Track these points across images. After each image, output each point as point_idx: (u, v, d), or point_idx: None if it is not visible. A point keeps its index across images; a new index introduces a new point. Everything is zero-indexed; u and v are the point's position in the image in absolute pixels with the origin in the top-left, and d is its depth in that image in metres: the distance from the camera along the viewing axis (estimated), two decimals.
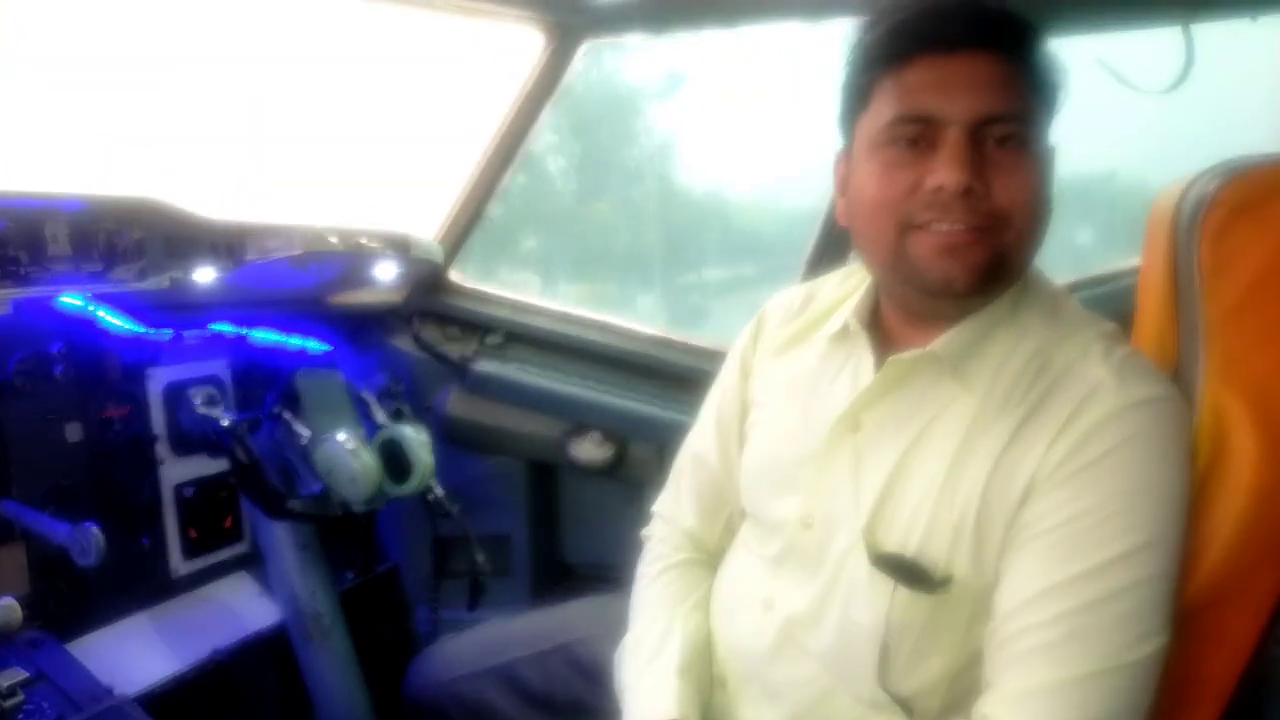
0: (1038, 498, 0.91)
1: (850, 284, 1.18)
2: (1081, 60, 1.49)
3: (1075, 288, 1.85)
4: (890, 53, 0.94)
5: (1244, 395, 0.92)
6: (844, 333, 1.10)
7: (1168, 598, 0.89)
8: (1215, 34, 1.49)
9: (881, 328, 1.09)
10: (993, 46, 0.91)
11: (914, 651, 0.95)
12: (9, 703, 1.21)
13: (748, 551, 1.19)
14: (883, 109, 0.95)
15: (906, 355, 1.00)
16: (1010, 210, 0.91)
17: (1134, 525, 0.88)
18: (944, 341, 0.98)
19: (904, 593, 0.95)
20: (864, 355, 1.07)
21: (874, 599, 0.97)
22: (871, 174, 0.96)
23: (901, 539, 0.97)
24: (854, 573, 1.00)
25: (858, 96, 0.99)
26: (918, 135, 0.92)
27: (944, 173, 0.90)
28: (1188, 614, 0.92)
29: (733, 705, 1.13)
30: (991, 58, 0.91)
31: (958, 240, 0.91)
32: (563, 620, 1.46)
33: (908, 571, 0.95)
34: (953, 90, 0.90)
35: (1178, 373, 1.00)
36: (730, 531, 1.28)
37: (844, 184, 1.05)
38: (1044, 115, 0.95)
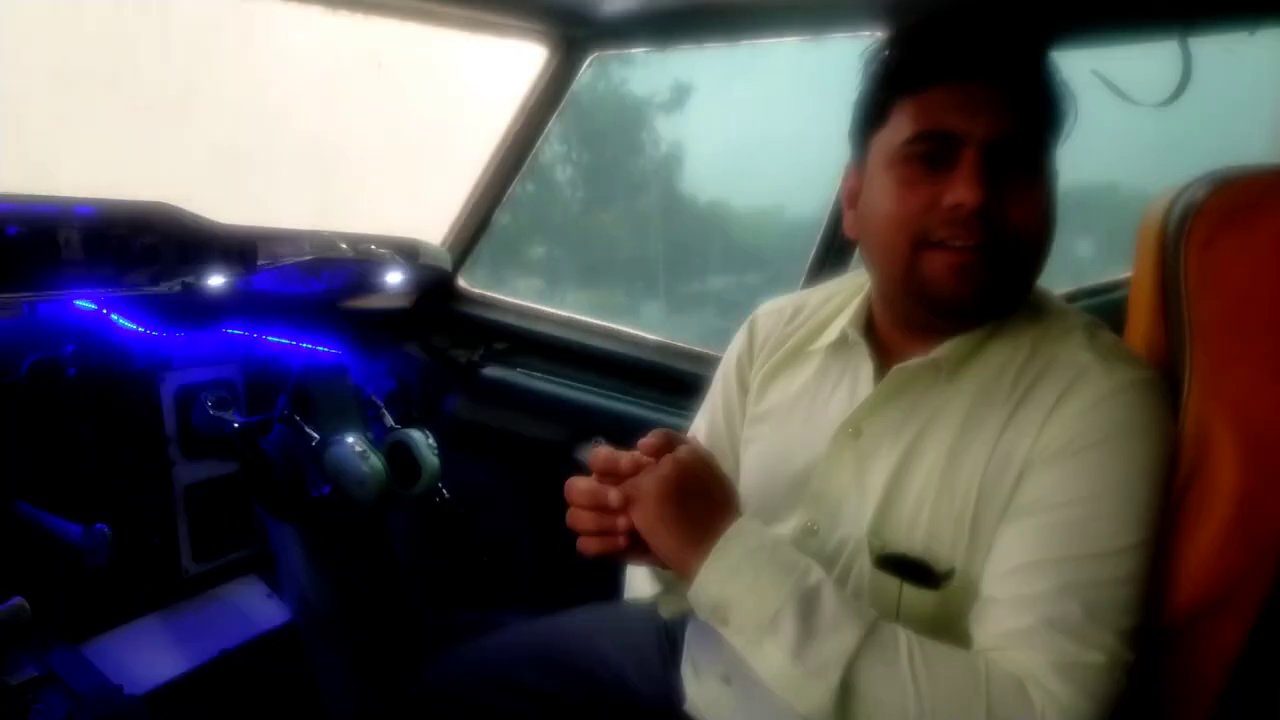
0: (1031, 475, 0.92)
1: (841, 297, 1.19)
2: (1080, 72, 1.51)
3: (1072, 298, 1.87)
4: (911, 74, 0.96)
5: (1227, 404, 0.93)
6: (841, 343, 1.12)
7: (1144, 599, 0.90)
8: (1218, 44, 1.51)
9: (876, 338, 1.10)
10: (1010, 72, 0.94)
11: None
12: (19, 702, 1.23)
13: None
14: (901, 126, 0.96)
15: (912, 363, 1.01)
16: (1023, 231, 0.93)
17: (1130, 523, 0.89)
18: (948, 349, 1.00)
19: (911, 590, 0.97)
20: (863, 364, 1.09)
21: (881, 599, 0.99)
22: (888, 189, 0.98)
23: (906, 538, 0.99)
24: (859, 576, 1.02)
25: (874, 112, 1.01)
26: (936, 152, 0.94)
27: (962, 190, 0.91)
28: (1176, 622, 0.93)
29: (741, 705, 1.14)
30: (1008, 83, 0.93)
31: (970, 261, 0.93)
32: (565, 627, 1.48)
33: (912, 569, 0.97)
34: (972, 111, 0.92)
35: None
36: None
37: (853, 197, 1.06)
38: (1053, 140, 0.97)
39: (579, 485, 0.96)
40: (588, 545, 0.96)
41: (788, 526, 1.10)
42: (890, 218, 0.97)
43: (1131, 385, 0.93)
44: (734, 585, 0.89)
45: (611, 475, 0.95)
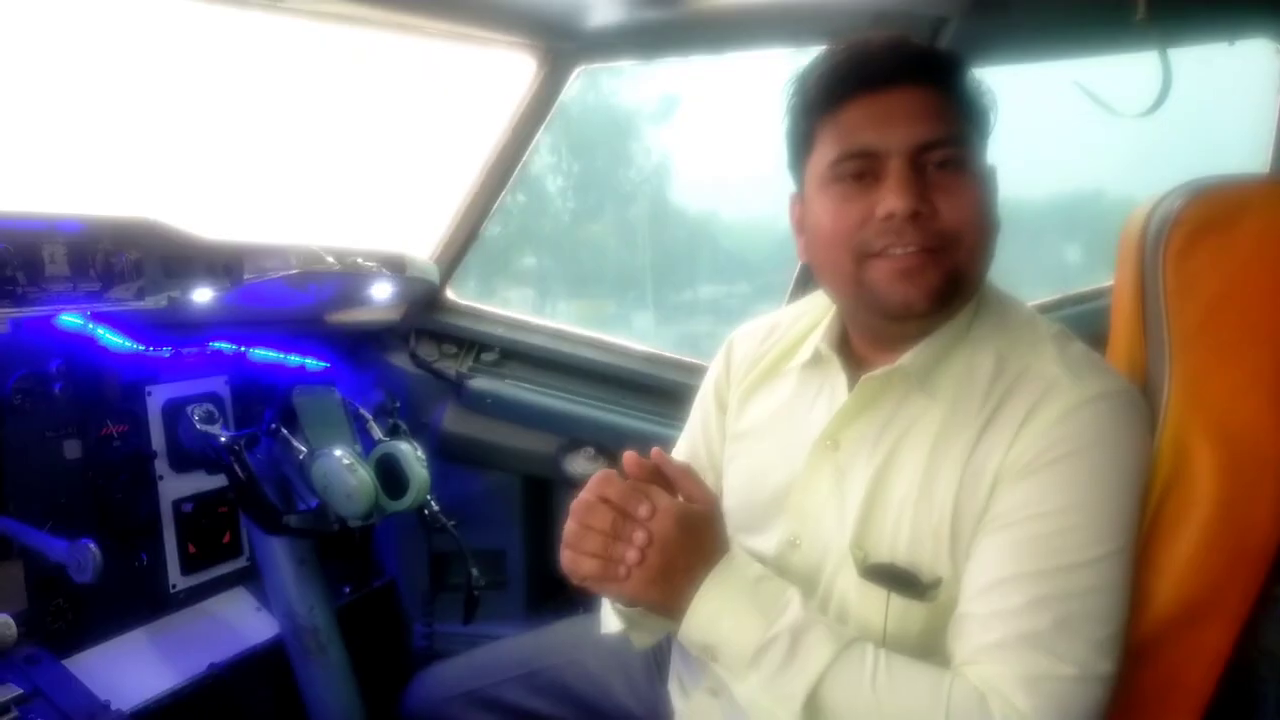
0: (1005, 489, 0.94)
1: (812, 315, 1.22)
2: (1062, 82, 1.52)
3: (1056, 305, 1.88)
4: (826, 97, 1.00)
5: (1205, 412, 0.94)
6: (816, 359, 1.14)
7: (1127, 597, 0.92)
8: (1199, 54, 1.53)
9: (850, 352, 1.13)
10: (920, 80, 0.97)
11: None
12: (3, 719, 1.22)
13: None
14: (826, 150, 1.01)
15: (878, 372, 1.04)
16: (959, 228, 0.97)
17: (1102, 533, 0.91)
18: (912, 356, 1.02)
19: (898, 602, 0.98)
20: (837, 378, 1.11)
21: (868, 610, 1.00)
22: (825, 210, 1.01)
23: (889, 549, 1.00)
24: (844, 588, 1.03)
25: (802, 142, 1.05)
26: (863, 169, 0.98)
27: (892, 200, 0.95)
28: (1162, 629, 0.94)
29: (729, 718, 1.14)
30: (920, 90, 0.97)
31: (912, 263, 0.97)
32: (550, 642, 1.50)
33: (898, 579, 0.99)
34: (889, 123, 0.97)
35: (1146, 391, 1.02)
36: None
37: (800, 224, 1.10)
38: (978, 138, 1.01)
39: (599, 511, 0.93)
40: (584, 567, 0.93)
41: (770, 541, 1.12)
42: (831, 236, 1.01)
43: (1099, 397, 0.94)
44: (719, 629, 0.91)
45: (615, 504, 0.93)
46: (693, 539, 0.92)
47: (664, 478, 0.97)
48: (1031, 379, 0.97)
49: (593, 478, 0.96)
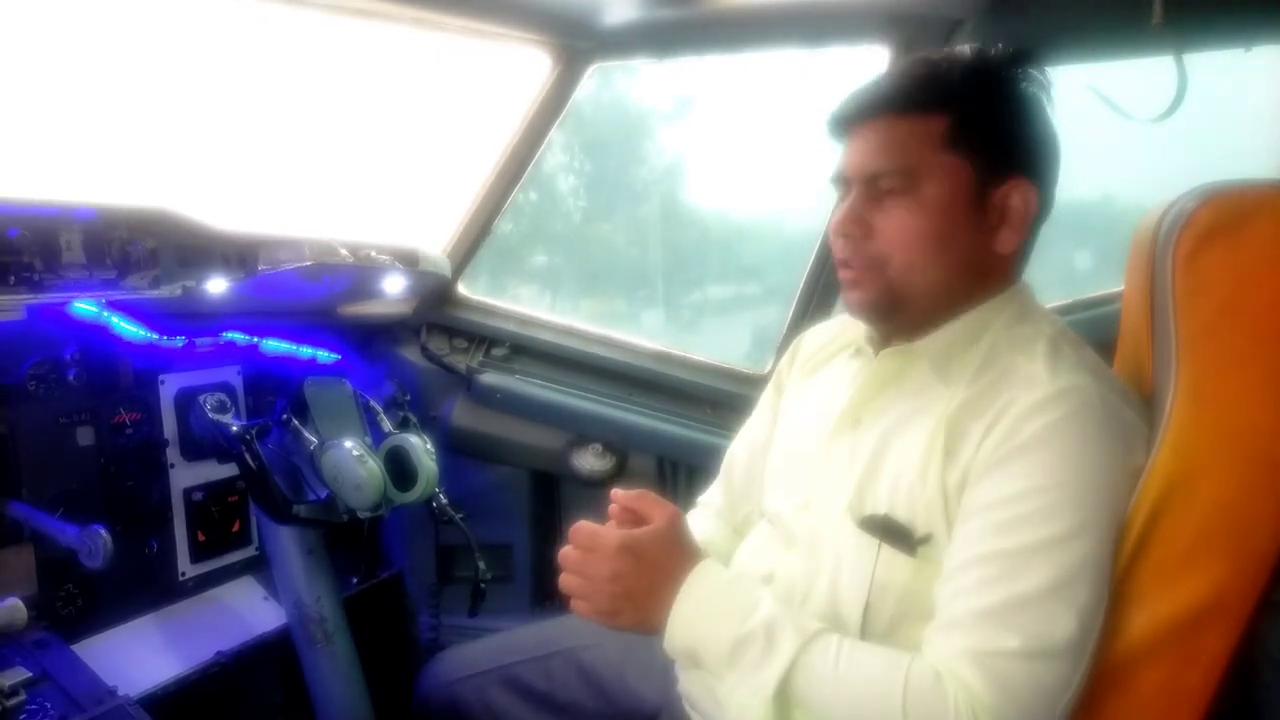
0: (975, 481, 0.99)
1: None
2: (1075, 87, 1.52)
3: (1067, 310, 1.88)
4: (832, 132, 1.16)
5: (1212, 414, 0.94)
6: (857, 350, 1.25)
7: (1096, 584, 0.94)
8: (1215, 59, 1.52)
9: (890, 345, 1.19)
10: (899, 111, 1.07)
11: (895, 615, 1.03)
12: (11, 702, 1.22)
13: (759, 536, 1.30)
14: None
15: (891, 350, 1.13)
16: (888, 251, 1.08)
17: (1059, 515, 0.94)
18: (926, 340, 1.10)
19: (888, 552, 1.04)
20: (870, 364, 1.20)
21: (860, 560, 1.06)
22: None
23: (886, 505, 1.06)
24: (844, 542, 1.09)
25: None
26: (844, 191, 1.14)
27: (834, 218, 1.11)
28: (1162, 631, 0.94)
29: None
30: (888, 122, 1.08)
31: (849, 277, 1.12)
32: (566, 628, 1.52)
33: (891, 531, 1.05)
34: (855, 154, 1.11)
35: (1153, 391, 1.02)
36: (749, 522, 1.40)
37: None
38: (974, 158, 1.06)
39: (569, 555, 1.10)
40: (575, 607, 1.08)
41: (789, 504, 1.22)
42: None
43: (1068, 391, 0.97)
44: (697, 633, 1.00)
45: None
46: (646, 562, 1.03)
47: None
48: (1015, 376, 1.02)
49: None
